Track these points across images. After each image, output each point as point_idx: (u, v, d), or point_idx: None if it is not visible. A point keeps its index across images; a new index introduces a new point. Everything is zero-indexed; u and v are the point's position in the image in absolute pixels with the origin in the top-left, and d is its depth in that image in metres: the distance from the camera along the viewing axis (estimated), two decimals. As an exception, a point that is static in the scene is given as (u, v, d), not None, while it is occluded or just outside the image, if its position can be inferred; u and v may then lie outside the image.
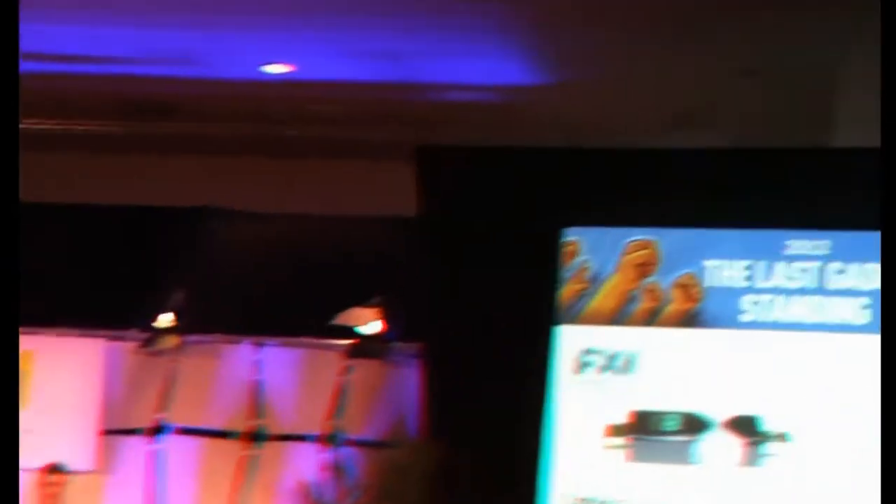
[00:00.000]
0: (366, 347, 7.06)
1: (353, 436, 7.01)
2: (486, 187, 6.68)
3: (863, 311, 6.05)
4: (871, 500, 5.80)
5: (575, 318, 6.48)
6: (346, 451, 6.97)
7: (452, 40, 6.74)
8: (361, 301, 7.11)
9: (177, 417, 7.17)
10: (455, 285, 6.65)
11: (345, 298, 7.14)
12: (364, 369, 7.09)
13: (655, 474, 6.19)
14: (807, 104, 6.85)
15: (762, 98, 6.93)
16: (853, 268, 6.10)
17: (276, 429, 7.13)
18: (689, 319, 6.30)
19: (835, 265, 6.13)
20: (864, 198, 6.10)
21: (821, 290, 6.14)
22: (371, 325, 7.07)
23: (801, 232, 6.20)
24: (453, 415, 6.53)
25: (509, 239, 6.57)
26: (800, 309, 6.15)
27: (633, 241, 6.47)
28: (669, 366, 6.28)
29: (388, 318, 7.05)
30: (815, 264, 6.16)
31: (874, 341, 6.00)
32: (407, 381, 6.97)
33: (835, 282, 6.12)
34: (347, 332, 7.10)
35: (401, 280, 7.00)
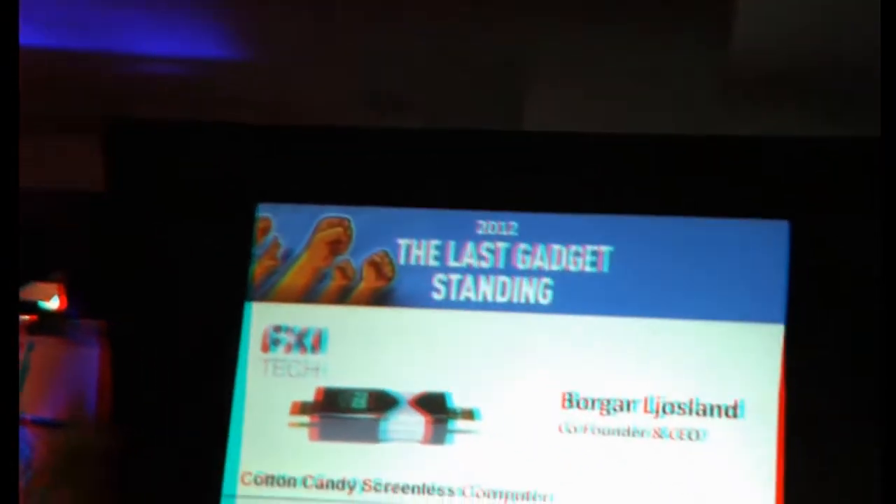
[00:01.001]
0: (46, 324, 6.78)
1: (29, 415, 6.71)
2: (176, 162, 6.51)
3: (546, 291, 6.20)
4: (551, 476, 5.99)
5: (265, 296, 6.40)
6: (20, 431, 6.66)
7: (146, 11, 6.56)
8: (43, 276, 6.82)
9: None
10: (142, 261, 6.45)
11: (26, 273, 6.83)
12: (43, 346, 6.80)
13: (342, 452, 6.16)
14: (500, 89, 6.97)
15: (457, 82, 7.02)
16: (538, 249, 6.24)
17: (-56, 408, 6.75)
18: (381, 298, 6.32)
19: (521, 246, 6.26)
20: (549, 180, 6.28)
21: (507, 271, 6.26)
22: (52, 300, 6.80)
23: (491, 213, 6.31)
24: (136, 395, 6.31)
25: (200, 215, 6.42)
26: (488, 288, 6.25)
27: (325, 219, 6.44)
28: (359, 344, 6.27)
29: (70, 294, 6.79)
30: (503, 244, 6.28)
31: (556, 321, 6.21)
32: (88, 360, 6.73)
33: (521, 262, 6.25)
34: (27, 307, 6.81)
35: (85, 256, 6.75)
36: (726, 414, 5.91)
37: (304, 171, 6.44)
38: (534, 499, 5.96)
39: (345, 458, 6.17)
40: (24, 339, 6.77)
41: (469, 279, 6.28)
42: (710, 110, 6.49)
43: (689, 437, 5.91)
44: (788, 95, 6.25)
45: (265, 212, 6.49)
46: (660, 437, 5.93)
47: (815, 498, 5.71)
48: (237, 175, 6.46)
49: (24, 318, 6.79)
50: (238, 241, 6.45)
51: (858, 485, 5.66)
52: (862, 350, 5.80)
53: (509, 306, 6.22)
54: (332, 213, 6.45)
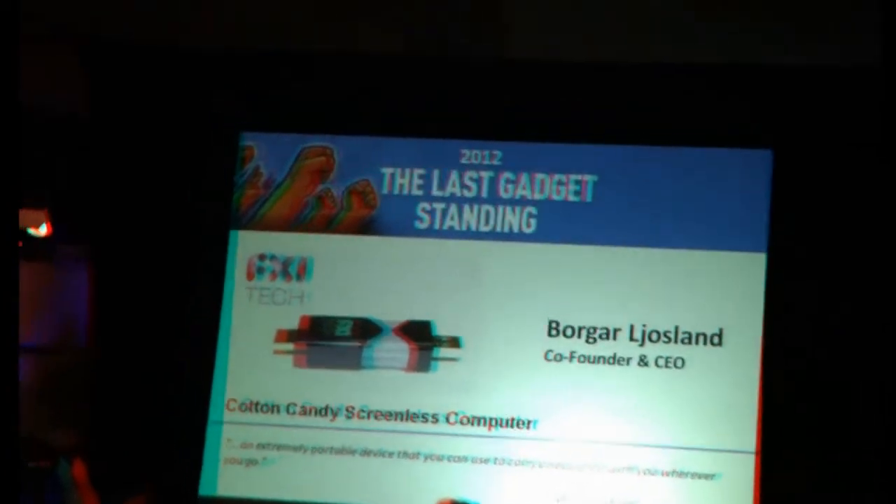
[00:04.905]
0: (31, 249, 6.73)
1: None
2: (159, 88, 6.48)
3: (529, 220, 6.23)
4: (535, 402, 6.06)
5: (251, 224, 6.42)
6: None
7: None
8: (28, 203, 6.77)
9: None
10: (127, 188, 6.44)
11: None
12: (29, 272, 6.76)
13: (326, 379, 6.21)
14: (485, 17, 6.91)
15: (440, 8, 6.96)
16: (522, 178, 6.26)
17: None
18: (365, 226, 6.34)
19: (505, 175, 6.28)
20: (534, 109, 6.28)
21: (492, 200, 6.28)
22: (40, 227, 6.73)
23: (475, 142, 6.32)
24: (123, 322, 6.34)
25: (184, 142, 6.41)
26: (472, 217, 6.28)
27: (308, 147, 6.44)
28: (344, 272, 6.31)
29: (54, 219, 6.74)
30: (487, 173, 6.30)
31: (540, 250, 6.24)
32: (74, 285, 6.71)
33: (504, 191, 6.28)
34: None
35: (70, 181, 6.69)
36: (709, 342, 5.97)
37: (287, 100, 6.42)
38: (517, 425, 6.03)
39: (329, 385, 6.23)
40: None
41: (453, 208, 6.30)
42: (692, 38, 6.45)
43: (672, 365, 5.97)
44: (770, 21, 6.21)
45: (248, 140, 6.49)
46: (643, 364, 6.00)
47: (794, 425, 5.78)
48: (220, 102, 6.44)
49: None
50: (222, 170, 6.45)
51: (837, 414, 5.73)
52: (843, 279, 5.85)
53: (493, 235, 6.25)
54: (315, 141, 6.45)
